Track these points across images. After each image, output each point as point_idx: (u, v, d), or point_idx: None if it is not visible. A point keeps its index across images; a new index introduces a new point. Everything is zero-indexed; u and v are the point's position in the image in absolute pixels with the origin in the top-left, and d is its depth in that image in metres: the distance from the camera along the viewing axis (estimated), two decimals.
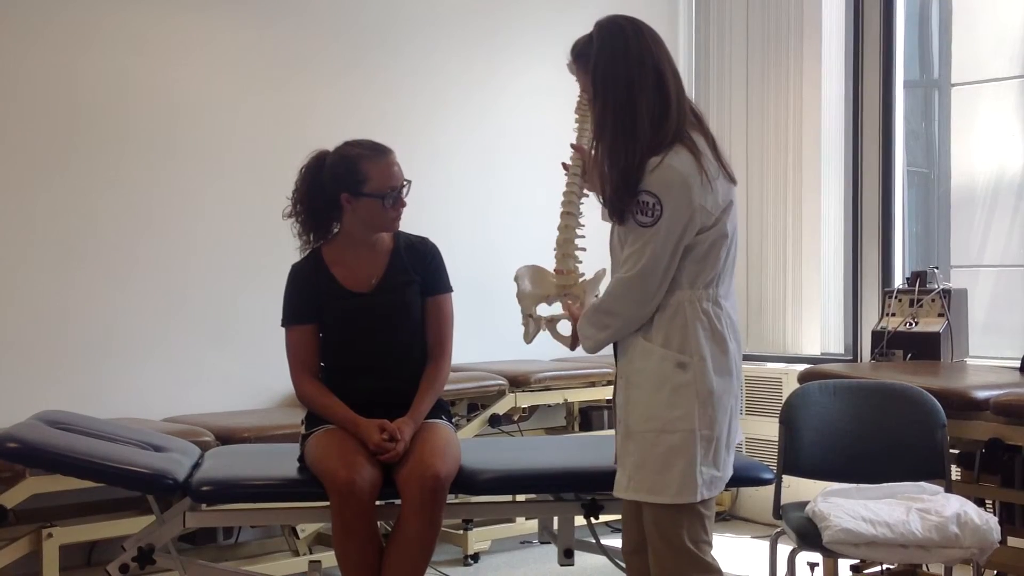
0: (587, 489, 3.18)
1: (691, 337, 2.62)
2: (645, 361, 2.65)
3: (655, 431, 2.62)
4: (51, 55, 4.30)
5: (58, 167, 4.32)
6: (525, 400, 5.01)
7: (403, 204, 3.22)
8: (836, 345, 5.69)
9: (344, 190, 3.17)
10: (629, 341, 2.70)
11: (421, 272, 3.29)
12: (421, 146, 5.29)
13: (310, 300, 3.23)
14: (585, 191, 3.02)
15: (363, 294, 3.23)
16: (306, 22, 5.01)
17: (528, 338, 2.98)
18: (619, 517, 2.92)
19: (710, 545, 2.69)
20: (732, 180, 2.70)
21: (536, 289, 2.95)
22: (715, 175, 2.63)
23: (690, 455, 2.60)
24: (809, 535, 3.09)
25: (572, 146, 3.00)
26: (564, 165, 3.03)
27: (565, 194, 3.00)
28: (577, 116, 3.03)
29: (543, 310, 3.00)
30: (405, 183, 3.21)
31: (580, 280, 2.96)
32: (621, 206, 2.60)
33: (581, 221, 2.97)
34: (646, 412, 2.64)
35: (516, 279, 2.99)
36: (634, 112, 2.58)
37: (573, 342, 2.90)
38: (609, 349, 2.86)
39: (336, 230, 3.30)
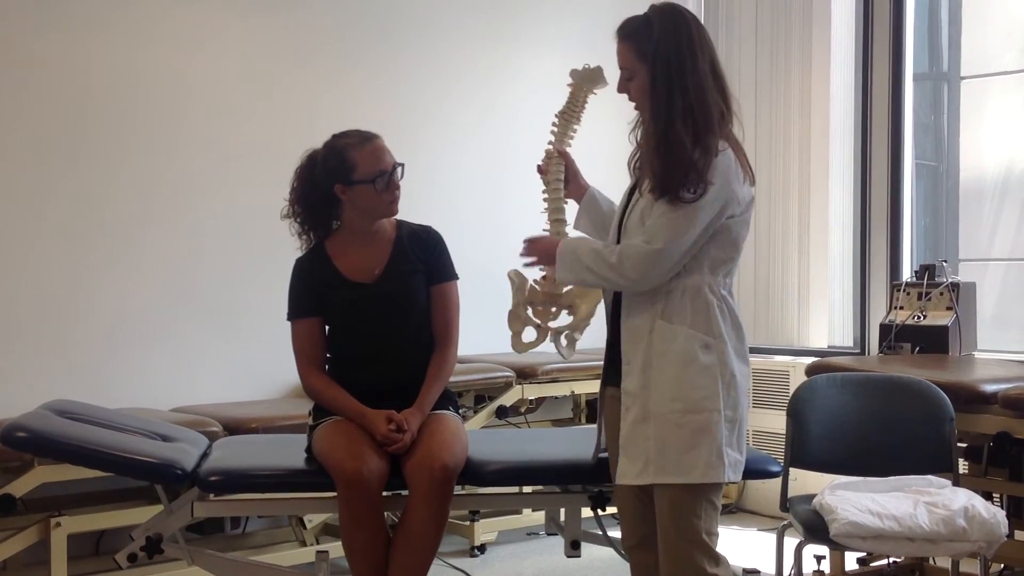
0: (594, 481, 3.17)
1: (714, 319, 2.64)
2: (669, 343, 2.65)
3: (680, 411, 2.62)
4: (60, 46, 4.30)
5: (67, 158, 4.33)
6: (532, 392, 5.01)
7: (397, 186, 3.21)
8: (844, 338, 5.68)
9: (337, 181, 3.18)
10: (644, 324, 2.68)
11: (425, 260, 3.28)
12: (431, 137, 5.30)
13: (314, 293, 3.24)
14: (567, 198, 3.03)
15: (367, 284, 3.23)
16: (316, 13, 5.01)
17: (521, 347, 2.99)
18: None
19: (718, 537, 2.70)
20: (752, 181, 2.74)
21: (519, 296, 2.96)
22: (746, 174, 2.68)
23: (716, 435, 2.61)
24: (816, 528, 3.10)
25: (558, 151, 3.00)
26: (540, 169, 3.03)
27: (550, 200, 3.00)
28: (558, 120, 3.02)
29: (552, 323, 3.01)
30: (397, 166, 3.21)
31: (566, 289, 2.96)
32: (674, 184, 2.58)
33: (568, 231, 2.98)
34: (671, 393, 2.63)
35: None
36: (705, 100, 2.61)
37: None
38: (602, 341, 2.87)
39: (337, 225, 3.31)
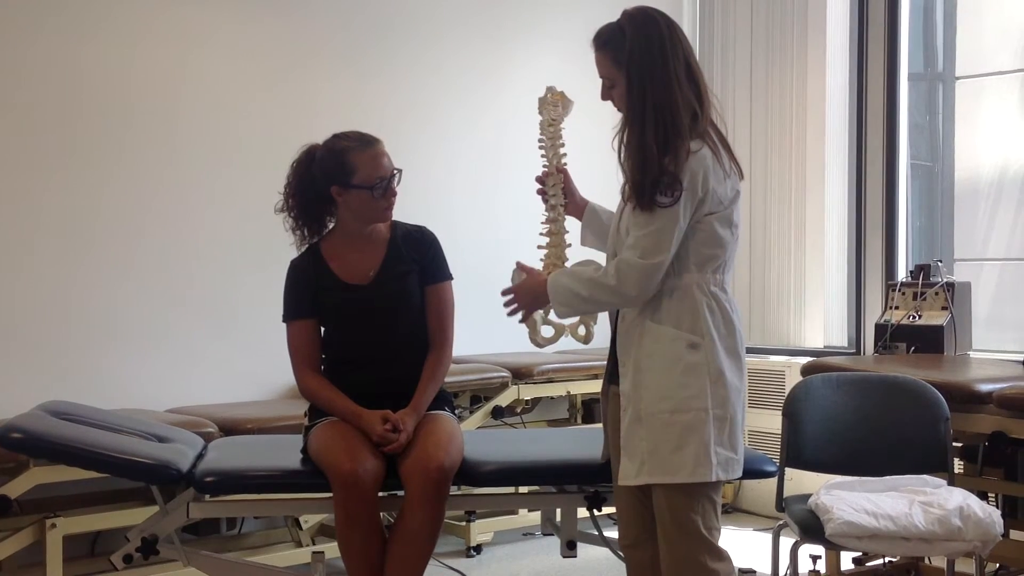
0: (590, 481, 3.18)
1: (701, 318, 2.64)
2: (656, 343, 2.66)
3: (668, 411, 2.63)
4: (55, 47, 4.30)
5: (62, 158, 4.32)
6: (528, 392, 5.01)
7: (394, 193, 3.21)
8: (839, 338, 5.68)
9: (334, 183, 3.18)
10: (635, 326, 2.71)
11: (419, 261, 3.28)
12: (427, 137, 5.30)
13: (309, 295, 3.23)
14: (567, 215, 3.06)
15: (362, 286, 3.22)
16: (311, 14, 5.01)
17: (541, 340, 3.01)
18: None
19: (720, 532, 2.71)
20: (740, 175, 2.74)
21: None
22: (729, 170, 2.67)
23: (704, 434, 2.61)
24: (812, 528, 3.10)
25: (556, 169, 3.01)
26: (540, 180, 3.04)
27: (550, 220, 3.01)
28: (545, 138, 3.03)
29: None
30: (395, 172, 3.21)
31: None
32: (653, 190, 2.59)
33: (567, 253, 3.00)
34: (658, 393, 2.65)
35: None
36: (674, 103, 2.61)
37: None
38: (606, 341, 2.88)
39: (332, 225, 3.31)
